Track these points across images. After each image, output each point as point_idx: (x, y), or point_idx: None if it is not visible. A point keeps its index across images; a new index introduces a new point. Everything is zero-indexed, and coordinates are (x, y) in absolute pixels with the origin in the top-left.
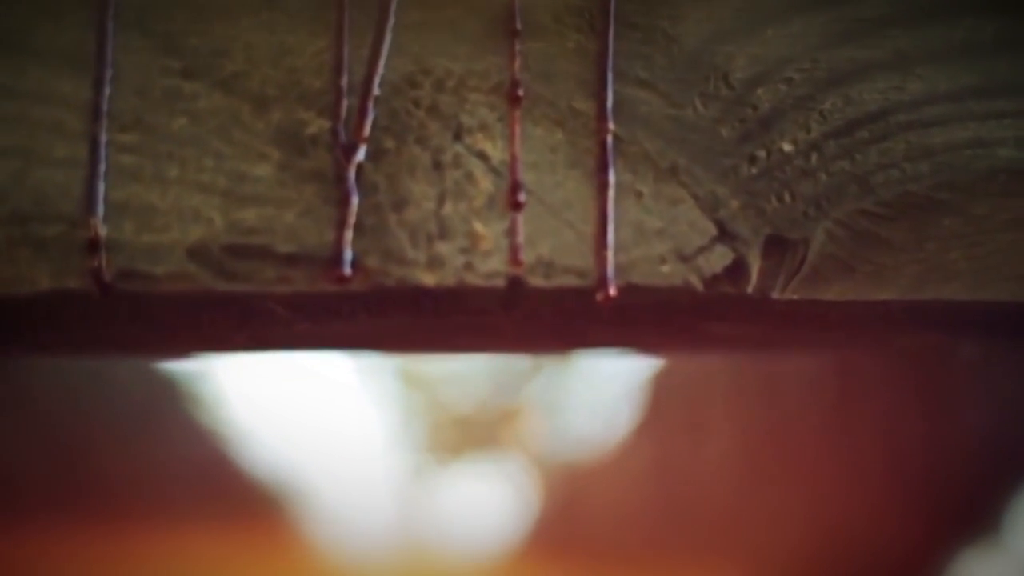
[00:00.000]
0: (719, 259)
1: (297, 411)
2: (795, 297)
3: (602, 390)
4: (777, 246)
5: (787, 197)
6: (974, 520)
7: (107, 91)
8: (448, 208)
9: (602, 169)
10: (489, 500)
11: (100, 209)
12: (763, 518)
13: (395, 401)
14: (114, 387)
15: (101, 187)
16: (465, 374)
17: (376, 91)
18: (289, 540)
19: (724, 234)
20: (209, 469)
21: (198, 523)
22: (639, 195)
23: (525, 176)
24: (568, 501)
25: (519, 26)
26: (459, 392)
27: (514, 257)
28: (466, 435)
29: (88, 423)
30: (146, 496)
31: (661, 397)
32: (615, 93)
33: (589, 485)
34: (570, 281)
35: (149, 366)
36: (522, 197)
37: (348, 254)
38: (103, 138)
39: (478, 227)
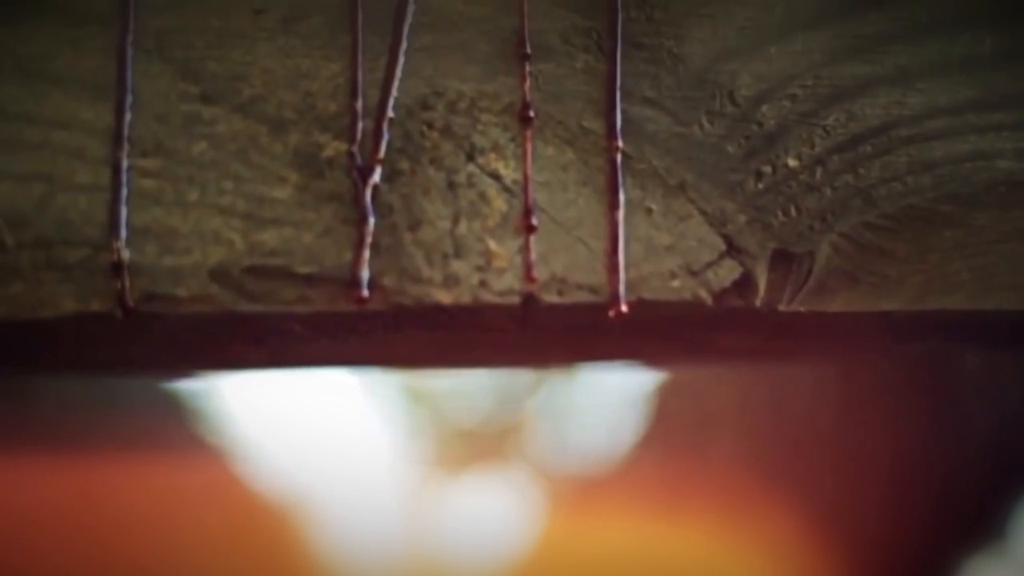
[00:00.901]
0: (727, 273)
1: (302, 427)
2: (801, 309)
3: (608, 402)
4: (783, 259)
5: (793, 211)
6: (978, 527)
7: (128, 117)
8: (463, 227)
9: (612, 187)
10: (495, 513)
11: (123, 233)
12: (768, 527)
13: (400, 416)
14: (120, 405)
15: (123, 211)
16: (470, 388)
17: (390, 113)
18: (295, 555)
19: (732, 249)
20: (214, 484)
21: (205, 538)
22: (649, 212)
23: (537, 195)
24: (574, 513)
25: (529, 50)
26: (464, 406)
27: (528, 274)
28: (471, 449)
29: (94, 440)
30: (153, 512)
31: (667, 409)
32: (623, 112)
33: (595, 497)
34: (583, 297)
35: (155, 384)
36: (535, 220)
37: (366, 276)
38: (125, 163)
39: (492, 245)
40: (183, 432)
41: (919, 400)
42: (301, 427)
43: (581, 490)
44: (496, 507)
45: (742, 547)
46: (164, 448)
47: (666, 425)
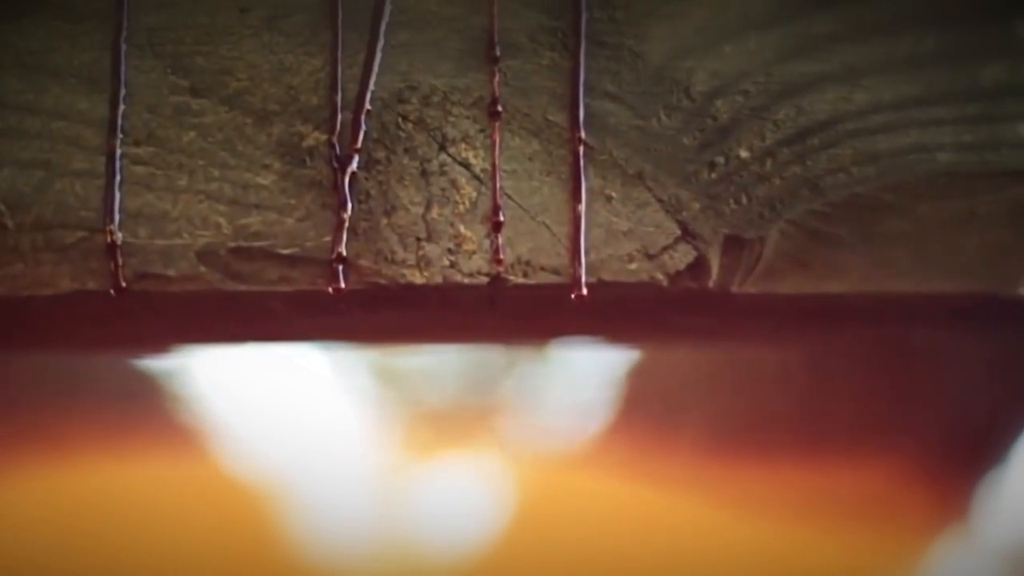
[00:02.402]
0: (682, 257)
1: (272, 408)
2: (753, 291)
3: (579, 384)
4: (735, 244)
5: (744, 200)
6: (943, 509)
7: (121, 108)
8: (435, 212)
9: (575, 176)
10: (467, 495)
11: (116, 216)
12: (733, 512)
13: (371, 398)
14: (92, 383)
15: (117, 196)
16: (441, 370)
17: (368, 106)
18: (265, 535)
19: (686, 234)
20: (185, 466)
21: (176, 519)
22: (609, 199)
23: (504, 183)
24: (546, 494)
25: (498, 52)
26: (435, 388)
27: (495, 257)
28: (442, 430)
29: (68, 419)
30: (124, 491)
31: (637, 390)
32: (586, 106)
33: (567, 478)
34: (546, 278)
35: (128, 363)
36: (502, 216)
37: (344, 257)
38: (118, 151)
39: (462, 230)
40: (155, 413)
41: (881, 383)
42: (271, 409)
43: (553, 471)
44: (467, 489)
45: (712, 526)
46: (136, 429)
47: (636, 406)
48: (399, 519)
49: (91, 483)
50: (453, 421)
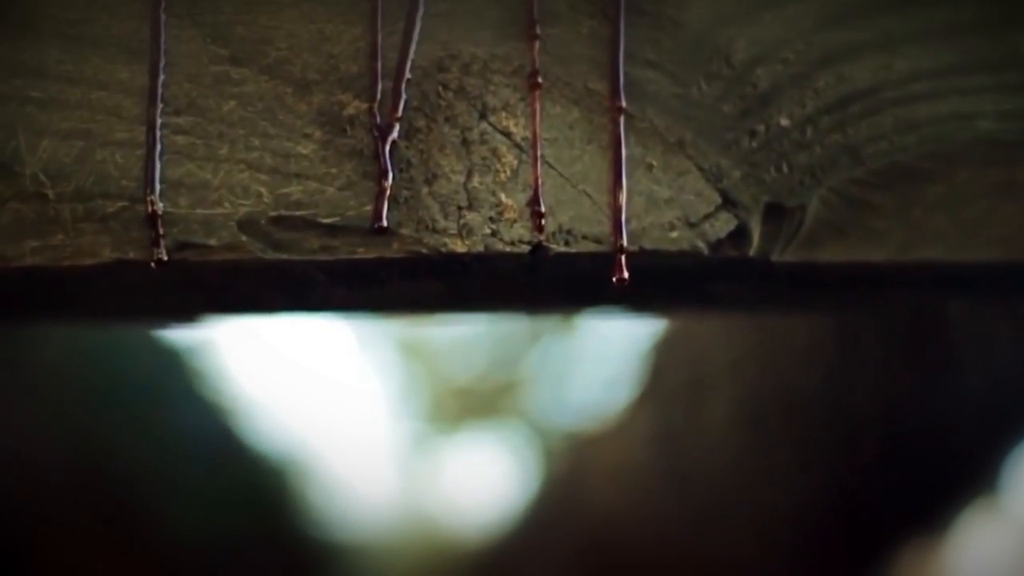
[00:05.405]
0: (723, 225)
1: (298, 383)
2: (793, 259)
3: (604, 359)
4: (776, 213)
5: (785, 168)
6: (971, 481)
7: (161, 77)
8: (476, 181)
9: (615, 144)
10: (491, 469)
11: (157, 186)
12: (763, 481)
13: (397, 373)
14: (120, 359)
15: (158, 166)
16: (466, 345)
17: (408, 75)
18: (291, 508)
19: (727, 202)
20: (212, 440)
21: (202, 494)
22: (649, 167)
23: (545, 151)
24: (570, 469)
25: (538, 30)
26: (460, 363)
27: (536, 225)
28: (468, 405)
29: (94, 393)
30: (150, 466)
31: (663, 364)
32: (626, 74)
33: (591, 453)
34: (588, 247)
35: (155, 338)
36: (543, 207)
37: (385, 226)
38: (159, 121)
39: (503, 198)
40: (182, 387)
41: (911, 354)
42: (297, 383)
43: (577, 446)
44: (491, 463)
45: (737, 502)
46: (162, 402)
47: (662, 381)
48: (423, 492)
49: (114, 455)
50: (478, 396)
